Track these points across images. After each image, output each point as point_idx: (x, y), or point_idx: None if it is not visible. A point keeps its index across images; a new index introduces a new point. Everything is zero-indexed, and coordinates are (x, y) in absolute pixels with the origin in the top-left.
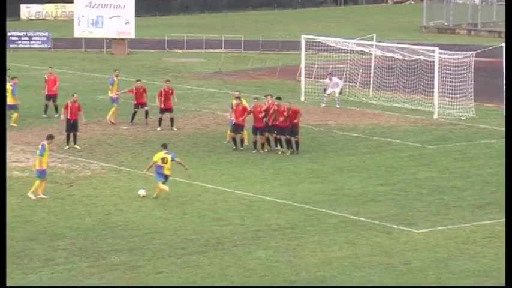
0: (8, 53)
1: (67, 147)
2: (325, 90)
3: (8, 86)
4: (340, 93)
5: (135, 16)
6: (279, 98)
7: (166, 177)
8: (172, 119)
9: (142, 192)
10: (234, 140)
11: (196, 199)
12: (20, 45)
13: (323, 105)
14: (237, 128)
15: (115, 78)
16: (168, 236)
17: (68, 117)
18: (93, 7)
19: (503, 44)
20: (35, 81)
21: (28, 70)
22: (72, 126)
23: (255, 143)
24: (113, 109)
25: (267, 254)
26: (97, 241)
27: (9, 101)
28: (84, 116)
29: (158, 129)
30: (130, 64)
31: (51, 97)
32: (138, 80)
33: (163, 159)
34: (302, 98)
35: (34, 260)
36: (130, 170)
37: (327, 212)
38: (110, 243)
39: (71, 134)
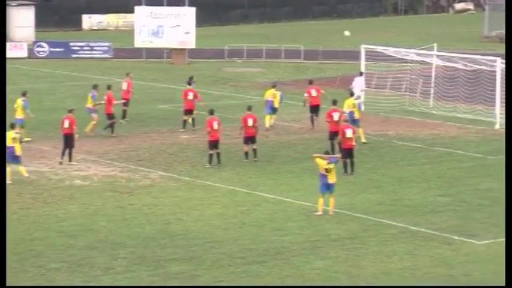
0: (70, 62)
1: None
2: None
3: (20, 101)
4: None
5: (195, 26)
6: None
7: (328, 186)
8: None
9: None
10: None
11: (255, 209)
12: (81, 55)
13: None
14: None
15: (95, 93)
16: (227, 245)
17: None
18: (154, 17)
19: None
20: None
21: (89, 80)
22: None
23: (246, 153)
24: (93, 122)
25: (326, 264)
26: (157, 250)
27: (19, 114)
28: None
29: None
30: (190, 74)
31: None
32: (108, 87)
33: (327, 169)
34: (362, 108)
35: (95, 268)
36: (189, 179)
37: (386, 223)
38: (169, 252)
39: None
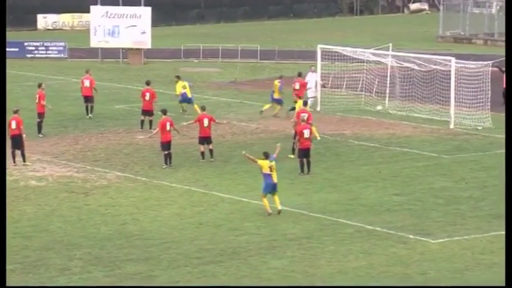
0: (25, 62)
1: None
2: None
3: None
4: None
5: (151, 26)
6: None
7: (274, 186)
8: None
9: None
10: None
11: (212, 209)
12: (36, 55)
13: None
14: None
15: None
16: (184, 245)
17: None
18: (109, 17)
19: None
20: (51, 91)
21: (45, 80)
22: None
23: (202, 153)
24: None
25: (282, 264)
26: (113, 250)
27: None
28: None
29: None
30: (146, 73)
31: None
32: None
33: (271, 168)
34: (318, 108)
35: (50, 269)
36: (146, 179)
37: (342, 222)
38: (126, 252)
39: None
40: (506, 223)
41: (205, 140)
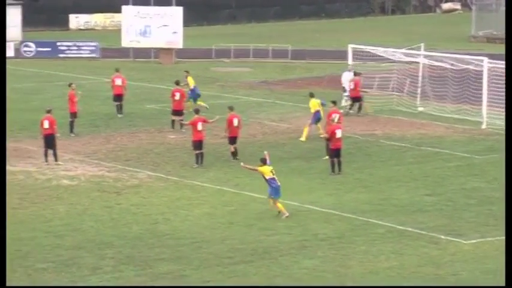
0: (57, 62)
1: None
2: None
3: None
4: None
5: (183, 26)
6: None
7: (280, 188)
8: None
9: None
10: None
11: (243, 208)
12: (69, 55)
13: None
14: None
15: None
16: (215, 245)
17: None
18: (141, 17)
19: None
20: (82, 91)
21: (76, 80)
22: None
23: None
24: None
25: (313, 264)
26: (144, 250)
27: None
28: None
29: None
30: (177, 73)
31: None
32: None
33: (272, 171)
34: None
35: (82, 268)
36: (177, 179)
37: (374, 222)
38: (157, 252)
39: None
40: (506, 223)
41: (234, 139)
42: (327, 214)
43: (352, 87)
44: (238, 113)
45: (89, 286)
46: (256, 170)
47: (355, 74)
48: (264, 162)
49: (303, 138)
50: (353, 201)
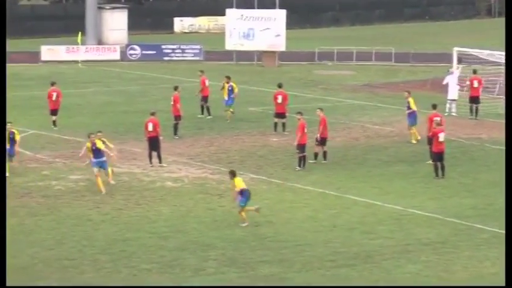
0: (162, 65)
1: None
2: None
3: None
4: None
5: (286, 28)
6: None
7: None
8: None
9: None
10: None
11: (345, 212)
12: (173, 58)
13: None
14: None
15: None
16: (318, 248)
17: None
18: (244, 20)
19: None
20: (186, 93)
21: (181, 82)
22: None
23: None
24: None
25: (417, 269)
26: (247, 252)
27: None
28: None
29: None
30: (280, 76)
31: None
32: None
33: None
34: (454, 111)
35: (186, 269)
36: (280, 181)
37: (478, 227)
38: (259, 254)
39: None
40: (506, 224)
41: (324, 141)
42: (430, 218)
43: (475, 85)
44: (340, 115)
45: (96, 286)
46: (235, 187)
47: (474, 72)
48: (234, 174)
49: (413, 141)
50: (457, 205)
